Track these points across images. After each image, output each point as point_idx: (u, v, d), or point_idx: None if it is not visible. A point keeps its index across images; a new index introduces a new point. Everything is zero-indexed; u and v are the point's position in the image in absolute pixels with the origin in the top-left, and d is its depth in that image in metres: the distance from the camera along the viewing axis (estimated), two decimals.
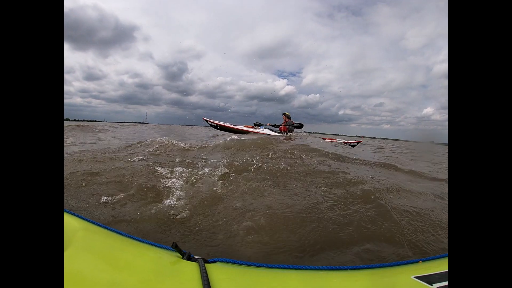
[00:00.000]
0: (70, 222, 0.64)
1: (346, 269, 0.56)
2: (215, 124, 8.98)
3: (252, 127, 8.68)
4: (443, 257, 0.60)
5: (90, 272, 0.44)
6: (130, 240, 0.64)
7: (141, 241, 0.64)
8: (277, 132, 8.23)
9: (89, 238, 0.58)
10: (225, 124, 8.88)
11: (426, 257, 0.61)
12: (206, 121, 9.14)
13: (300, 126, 8.45)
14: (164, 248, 0.63)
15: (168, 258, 0.56)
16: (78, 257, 0.48)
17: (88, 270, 0.45)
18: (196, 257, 0.56)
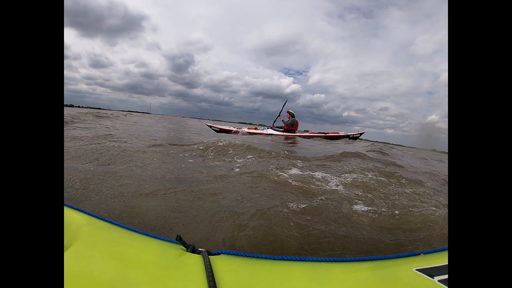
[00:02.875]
0: (75, 217, 0.65)
1: (348, 261, 0.56)
2: (218, 129, 9.49)
3: (256, 128, 9.27)
4: (445, 250, 0.61)
5: (96, 267, 0.45)
6: (134, 234, 0.64)
7: (145, 234, 0.65)
8: (280, 131, 8.71)
9: (95, 233, 0.59)
10: (229, 128, 9.47)
11: (428, 250, 0.62)
12: (210, 126, 9.82)
13: (285, 102, 9.27)
14: (168, 241, 0.64)
15: (172, 251, 0.57)
16: (84, 252, 0.49)
17: (95, 264, 0.46)
18: (200, 249, 0.57)
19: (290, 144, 6.06)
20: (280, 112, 8.83)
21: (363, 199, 1.87)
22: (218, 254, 0.57)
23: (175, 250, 0.57)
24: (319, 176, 2.34)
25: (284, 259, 0.56)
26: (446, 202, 1.83)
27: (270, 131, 8.69)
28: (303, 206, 1.64)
